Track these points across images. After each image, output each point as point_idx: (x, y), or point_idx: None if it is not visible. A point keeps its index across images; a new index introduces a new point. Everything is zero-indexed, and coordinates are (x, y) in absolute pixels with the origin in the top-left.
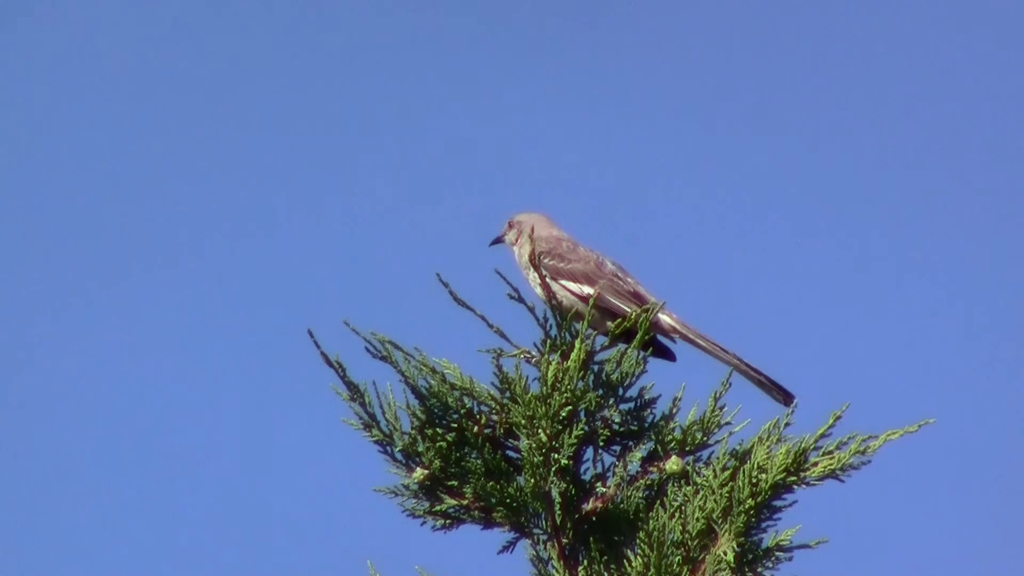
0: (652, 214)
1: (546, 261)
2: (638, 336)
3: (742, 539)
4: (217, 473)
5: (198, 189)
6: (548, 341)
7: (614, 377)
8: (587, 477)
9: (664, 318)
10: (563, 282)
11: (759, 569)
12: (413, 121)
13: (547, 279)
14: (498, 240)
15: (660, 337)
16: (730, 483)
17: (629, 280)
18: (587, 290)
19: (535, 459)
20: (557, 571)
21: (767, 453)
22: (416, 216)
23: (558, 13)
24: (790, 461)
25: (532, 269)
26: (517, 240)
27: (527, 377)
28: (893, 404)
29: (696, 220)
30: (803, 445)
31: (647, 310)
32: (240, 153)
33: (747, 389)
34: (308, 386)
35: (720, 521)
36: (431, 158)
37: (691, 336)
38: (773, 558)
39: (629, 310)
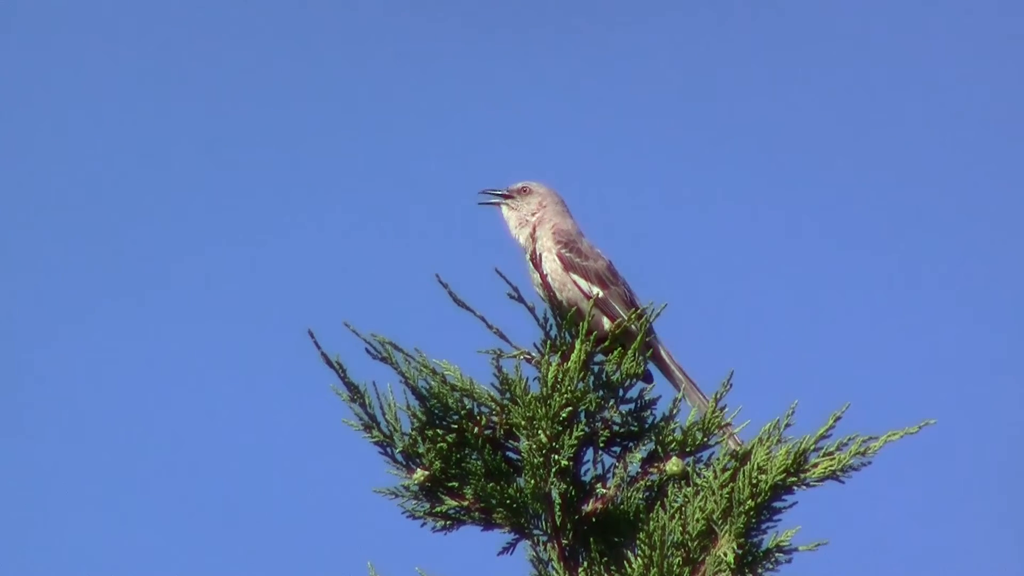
0: (651, 214)
1: (563, 251)
2: (638, 339)
3: (742, 540)
4: (218, 474)
5: (198, 191)
6: (548, 342)
7: (614, 378)
8: (587, 478)
9: (657, 345)
10: (574, 276)
11: (759, 570)
12: (412, 121)
13: (549, 279)
14: (496, 198)
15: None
16: (730, 484)
17: (632, 291)
18: (596, 290)
19: (535, 460)
20: (557, 572)
21: (767, 454)
22: (416, 216)
23: (555, 12)
24: (790, 462)
25: (534, 268)
26: (524, 218)
27: (527, 378)
28: (893, 405)
29: (695, 220)
30: (803, 446)
31: (644, 315)
32: (240, 154)
33: (748, 390)
34: (308, 387)
35: (720, 522)
36: (431, 158)
37: (672, 368)
38: (773, 559)
39: (627, 318)
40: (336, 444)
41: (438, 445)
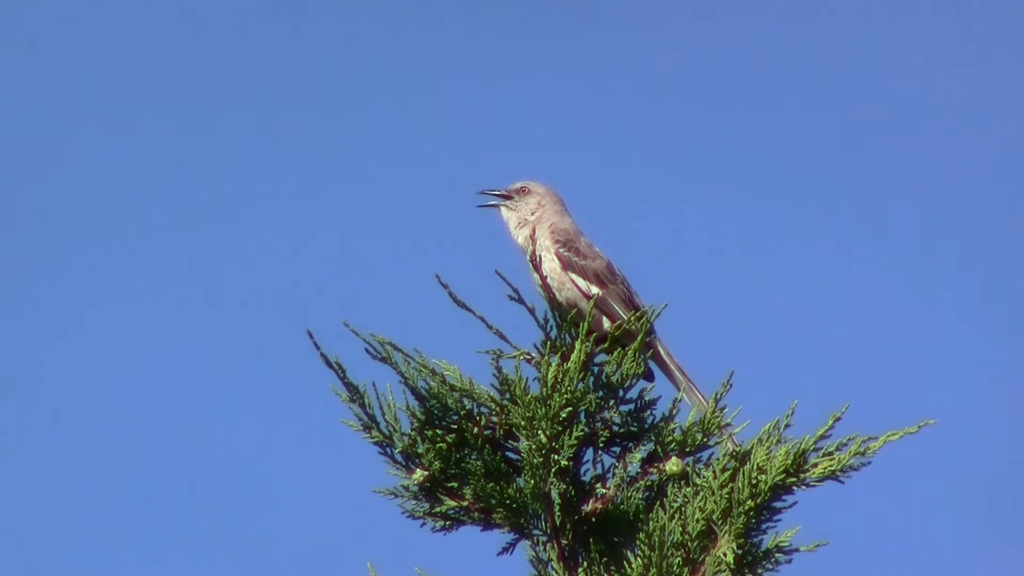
0: (651, 213)
1: (561, 251)
2: (638, 339)
3: (742, 540)
4: (218, 474)
5: (198, 190)
6: (548, 342)
7: (614, 379)
8: (587, 478)
9: (657, 344)
10: (572, 275)
11: (759, 570)
12: (413, 121)
13: (548, 280)
14: (495, 199)
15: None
16: (730, 484)
17: (633, 290)
18: (594, 290)
19: (535, 460)
20: (557, 572)
21: (767, 454)
22: (416, 216)
23: (554, 12)
24: (789, 462)
25: (533, 269)
26: (523, 218)
27: (527, 378)
28: (893, 405)
29: (695, 219)
30: (802, 446)
31: (644, 315)
32: (239, 154)
33: (748, 390)
34: (308, 387)
35: (720, 522)
36: (430, 158)
37: (672, 368)
38: (773, 559)
39: (627, 319)
40: (336, 444)
41: (438, 445)
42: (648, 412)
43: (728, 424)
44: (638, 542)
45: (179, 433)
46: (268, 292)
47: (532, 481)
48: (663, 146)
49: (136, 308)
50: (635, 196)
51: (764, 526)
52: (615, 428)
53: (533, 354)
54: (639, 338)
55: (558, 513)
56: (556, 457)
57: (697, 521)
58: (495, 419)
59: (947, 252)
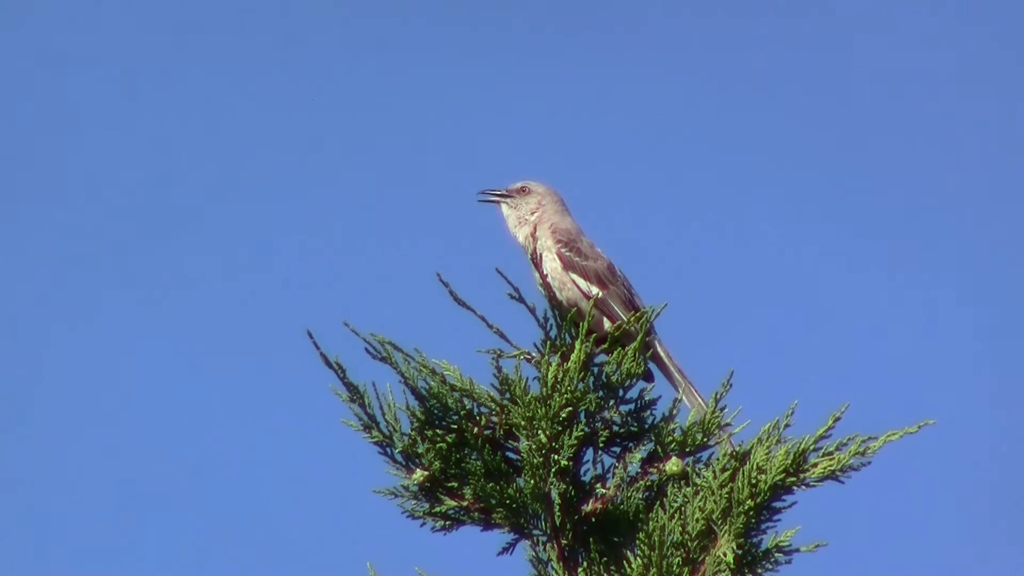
0: (651, 213)
1: (563, 251)
2: (638, 338)
3: (741, 540)
4: (217, 474)
5: (197, 189)
6: (548, 342)
7: (614, 379)
8: (587, 478)
9: (656, 345)
10: (573, 275)
11: (759, 570)
12: (413, 121)
13: (549, 279)
14: (495, 198)
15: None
16: (730, 484)
17: (633, 290)
18: (595, 290)
19: (535, 460)
20: (557, 572)
21: (766, 454)
22: (416, 216)
23: (555, 10)
24: (789, 462)
25: (534, 268)
26: (523, 217)
27: (527, 378)
28: (893, 405)
29: (695, 219)
30: (802, 446)
31: (644, 315)
32: (239, 153)
33: (748, 390)
34: (308, 387)
35: (720, 522)
36: (431, 157)
37: (671, 368)
38: (773, 559)
39: (627, 320)
40: (336, 444)
41: (438, 445)
42: (648, 412)
43: (728, 424)
44: (638, 542)
45: (179, 433)
46: (268, 292)
47: (532, 481)
48: (663, 146)
49: (136, 308)
50: (636, 196)
51: (764, 526)
52: (615, 428)
53: (533, 354)
54: (639, 338)
55: (558, 513)
56: (556, 457)
57: (697, 521)
58: (495, 419)
59: (947, 252)
